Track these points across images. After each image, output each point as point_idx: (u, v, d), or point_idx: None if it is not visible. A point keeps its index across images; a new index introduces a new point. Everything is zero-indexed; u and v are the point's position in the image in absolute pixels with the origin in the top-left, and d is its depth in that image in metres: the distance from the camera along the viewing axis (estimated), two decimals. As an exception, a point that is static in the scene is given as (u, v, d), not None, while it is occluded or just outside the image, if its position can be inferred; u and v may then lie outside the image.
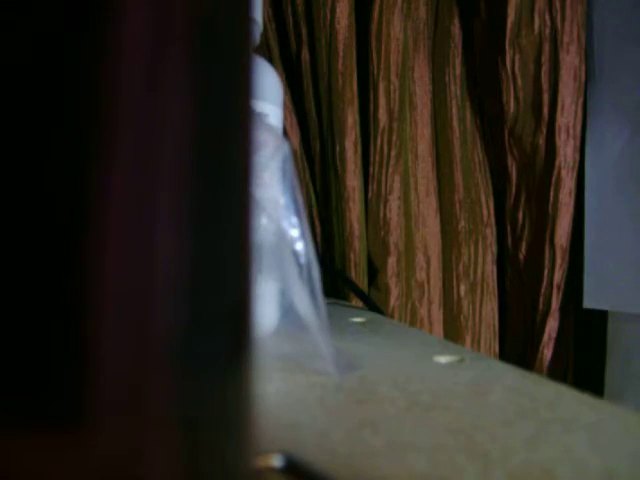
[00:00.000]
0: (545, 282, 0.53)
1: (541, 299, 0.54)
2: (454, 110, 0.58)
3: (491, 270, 0.58)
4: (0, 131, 0.07)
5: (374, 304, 0.46)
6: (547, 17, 0.52)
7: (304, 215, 0.23)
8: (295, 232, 0.22)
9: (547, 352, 0.53)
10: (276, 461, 0.14)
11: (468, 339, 0.56)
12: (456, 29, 0.58)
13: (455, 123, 0.57)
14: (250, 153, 0.10)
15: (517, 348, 0.57)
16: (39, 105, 0.07)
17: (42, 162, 0.07)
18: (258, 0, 0.33)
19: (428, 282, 0.56)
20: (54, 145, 0.07)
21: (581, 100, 0.53)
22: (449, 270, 0.58)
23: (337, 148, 0.53)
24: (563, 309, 0.54)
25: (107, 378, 0.07)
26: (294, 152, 0.56)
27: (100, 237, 0.07)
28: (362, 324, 0.36)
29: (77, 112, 0.07)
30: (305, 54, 0.55)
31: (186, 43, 0.08)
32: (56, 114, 0.07)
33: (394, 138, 0.54)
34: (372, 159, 0.55)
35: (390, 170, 0.54)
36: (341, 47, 0.52)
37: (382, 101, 0.54)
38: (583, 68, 0.53)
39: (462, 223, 0.57)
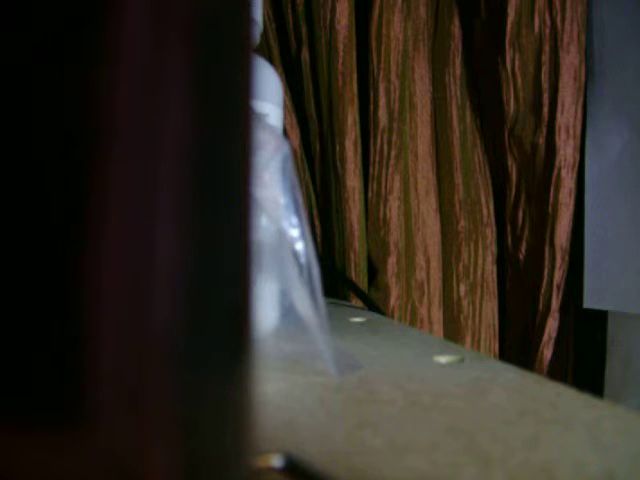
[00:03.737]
0: (545, 282, 0.53)
1: (541, 299, 0.54)
2: (454, 110, 0.58)
3: (491, 270, 0.58)
4: (1, 131, 0.07)
5: (374, 304, 0.46)
6: (547, 17, 0.52)
7: (304, 215, 0.23)
8: (295, 232, 0.22)
9: (547, 352, 0.53)
10: (276, 461, 0.14)
11: (468, 339, 0.56)
12: (456, 29, 0.58)
13: (455, 123, 0.57)
14: (250, 153, 0.10)
15: (517, 348, 0.57)
16: (39, 105, 0.07)
17: (42, 162, 0.07)
18: (258, 0, 0.33)
19: (428, 282, 0.56)
20: (54, 144, 0.07)
21: (581, 100, 0.53)
22: (449, 270, 0.57)
23: (337, 148, 0.53)
24: (563, 309, 0.54)
25: (107, 377, 0.07)
26: (294, 152, 0.56)
27: (100, 237, 0.07)
28: (362, 324, 0.36)
29: (78, 112, 0.07)
30: (305, 54, 0.55)
31: (186, 43, 0.08)
32: (57, 114, 0.07)
33: (394, 138, 0.54)
34: (372, 159, 0.54)
35: (390, 170, 0.54)
36: (341, 47, 0.52)
37: (382, 101, 0.54)
38: (583, 68, 0.53)
39: (462, 223, 0.57)
